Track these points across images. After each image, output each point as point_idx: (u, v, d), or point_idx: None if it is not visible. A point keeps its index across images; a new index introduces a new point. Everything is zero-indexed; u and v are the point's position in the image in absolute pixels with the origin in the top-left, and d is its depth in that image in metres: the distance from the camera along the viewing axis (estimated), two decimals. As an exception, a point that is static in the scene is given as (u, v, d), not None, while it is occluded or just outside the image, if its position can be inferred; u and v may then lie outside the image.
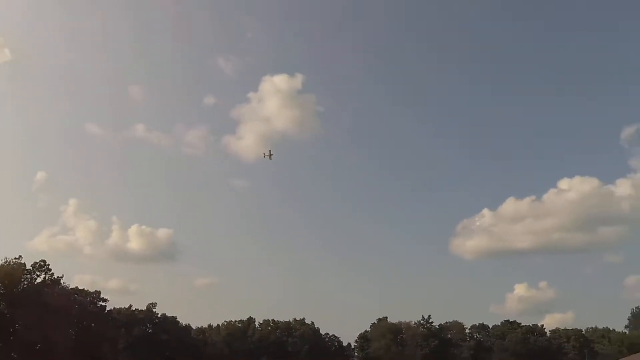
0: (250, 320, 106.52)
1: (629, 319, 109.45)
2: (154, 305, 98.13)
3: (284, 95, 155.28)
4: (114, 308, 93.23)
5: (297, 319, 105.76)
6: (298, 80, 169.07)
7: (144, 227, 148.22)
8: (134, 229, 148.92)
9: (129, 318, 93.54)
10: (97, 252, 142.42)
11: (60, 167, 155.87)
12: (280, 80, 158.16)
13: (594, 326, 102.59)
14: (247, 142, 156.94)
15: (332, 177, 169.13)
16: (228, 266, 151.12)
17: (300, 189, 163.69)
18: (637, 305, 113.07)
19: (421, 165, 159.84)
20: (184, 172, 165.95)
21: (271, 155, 77.36)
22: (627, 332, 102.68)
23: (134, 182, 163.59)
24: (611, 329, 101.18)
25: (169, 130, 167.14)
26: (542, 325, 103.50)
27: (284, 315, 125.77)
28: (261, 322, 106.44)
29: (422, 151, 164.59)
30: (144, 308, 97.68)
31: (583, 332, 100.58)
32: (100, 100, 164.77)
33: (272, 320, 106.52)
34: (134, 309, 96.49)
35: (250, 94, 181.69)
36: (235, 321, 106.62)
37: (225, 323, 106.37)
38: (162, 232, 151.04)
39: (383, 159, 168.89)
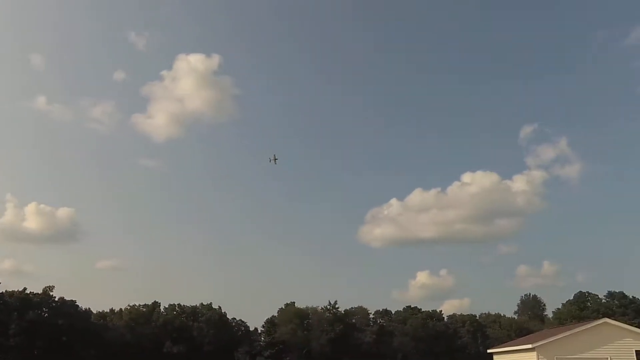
0: (155, 304, 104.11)
1: (518, 306, 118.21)
2: (51, 288, 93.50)
3: (199, 75, 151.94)
4: (6, 291, 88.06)
5: (204, 303, 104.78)
6: (215, 61, 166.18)
7: (42, 205, 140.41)
8: (31, 207, 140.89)
9: (22, 302, 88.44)
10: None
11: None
12: (196, 60, 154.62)
13: (487, 312, 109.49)
14: (158, 121, 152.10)
15: (245, 162, 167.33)
16: (133, 249, 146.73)
17: (213, 171, 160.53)
18: (526, 293, 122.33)
19: (336, 153, 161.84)
20: (88, 149, 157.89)
21: (276, 160, 78.37)
22: (516, 317, 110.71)
23: (32, 157, 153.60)
24: (502, 314, 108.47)
25: (74, 104, 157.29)
26: (441, 311, 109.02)
27: (190, 300, 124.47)
28: (166, 306, 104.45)
29: (339, 138, 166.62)
30: (40, 291, 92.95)
31: (477, 318, 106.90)
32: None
33: (178, 304, 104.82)
34: (28, 292, 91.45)
35: (164, 72, 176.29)
36: (139, 305, 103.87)
37: (129, 307, 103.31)
38: (63, 212, 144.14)
39: (300, 145, 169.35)
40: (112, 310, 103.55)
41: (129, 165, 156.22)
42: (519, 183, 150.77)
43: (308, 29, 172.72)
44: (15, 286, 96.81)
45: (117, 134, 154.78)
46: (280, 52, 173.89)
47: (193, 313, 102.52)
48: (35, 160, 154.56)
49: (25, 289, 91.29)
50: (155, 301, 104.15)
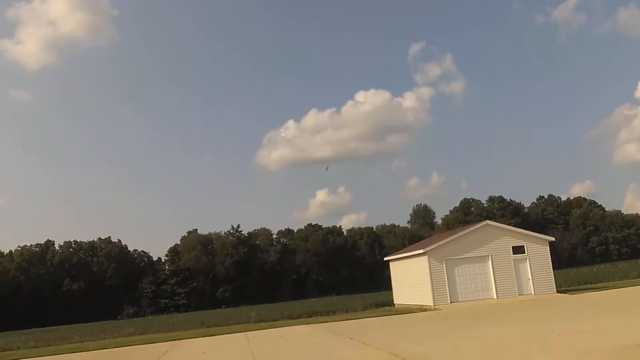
0: (49, 242, 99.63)
1: (410, 215, 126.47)
2: None
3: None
4: None
5: (102, 237, 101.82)
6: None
7: None
8: None
9: None
10: None
11: None
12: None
13: (383, 223, 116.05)
14: (28, 48, 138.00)
15: (128, 89, 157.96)
16: (17, 186, 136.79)
17: (91, 99, 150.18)
18: (417, 203, 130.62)
19: (219, 76, 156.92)
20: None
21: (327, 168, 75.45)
22: (409, 226, 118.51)
23: None
24: (397, 224, 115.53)
25: None
26: (340, 226, 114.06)
27: (86, 235, 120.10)
28: (62, 244, 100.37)
29: (222, 63, 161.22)
30: None
31: (374, 229, 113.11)
32: None
33: (74, 241, 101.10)
34: None
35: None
36: (32, 245, 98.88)
37: (20, 248, 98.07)
38: None
39: (184, 68, 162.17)
40: (0, 253, 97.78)
41: (1, 97, 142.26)
42: (408, 100, 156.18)
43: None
44: None
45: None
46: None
47: (91, 248, 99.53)
48: None
49: None
50: (49, 239, 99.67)
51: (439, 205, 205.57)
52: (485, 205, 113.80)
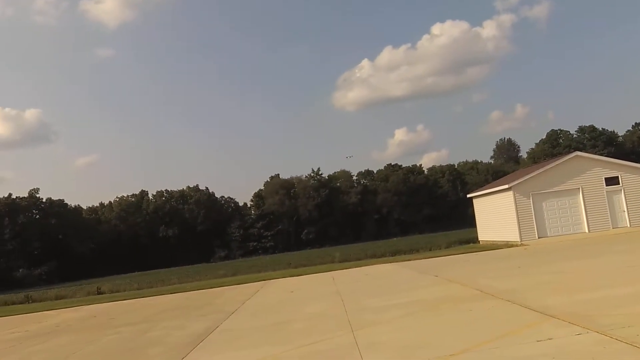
0: (144, 193, 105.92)
1: (493, 151, 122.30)
2: (36, 190, 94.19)
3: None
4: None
5: (191, 186, 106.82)
6: None
7: (7, 109, 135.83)
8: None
9: (10, 207, 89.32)
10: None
11: None
12: None
13: (465, 160, 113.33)
14: (108, 5, 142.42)
15: (201, 41, 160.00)
16: (107, 141, 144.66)
17: (171, 53, 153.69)
18: (501, 137, 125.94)
19: (291, 19, 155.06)
20: (39, 44, 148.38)
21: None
22: (492, 162, 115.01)
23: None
24: (479, 160, 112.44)
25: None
26: (421, 165, 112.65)
27: (177, 184, 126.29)
28: (154, 193, 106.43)
29: (301, 7, 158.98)
30: (26, 195, 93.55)
31: (455, 167, 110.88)
32: None
33: (166, 190, 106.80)
34: (14, 197, 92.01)
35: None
36: (128, 196, 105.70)
37: (118, 199, 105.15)
38: (30, 114, 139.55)
39: (254, 13, 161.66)
40: (101, 204, 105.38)
41: (86, 57, 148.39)
42: (488, 29, 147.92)
43: None
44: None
45: (66, 24, 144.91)
46: None
47: (182, 196, 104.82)
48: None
49: (10, 194, 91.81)
50: (142, 190, 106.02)
51: (523, 138, 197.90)
52: (574, 135, 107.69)
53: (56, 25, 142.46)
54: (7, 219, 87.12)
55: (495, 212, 34.56)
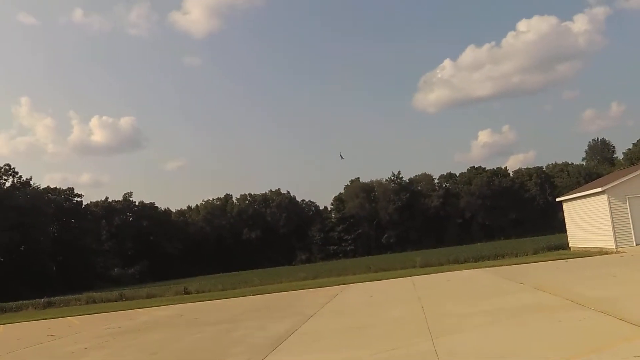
0: (228, 196, 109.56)
1: (586, 152, 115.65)
2: (130, 194, 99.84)
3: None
4: (91, 202, 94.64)
5: (273, 190, 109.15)
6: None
7: (105, 117, 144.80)
8: (94, 121, 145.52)
9: (107, 209, 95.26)
10: (61, 149, 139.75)
11: (1, 66, 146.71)
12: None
13: (554, 162, 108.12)
14: (194, 16, 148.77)
15: (284, 45, 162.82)
16: (194, 147, 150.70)
17: (255, 61, 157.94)
18: (594, 138, 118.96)
19: (379, 19, 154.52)
20: (132, 55, 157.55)
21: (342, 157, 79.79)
22: (585, 163, 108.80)
23: (83, 72, 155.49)
24: (570, 162, 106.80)
25: (109, 12, 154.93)
26: (506, 167, 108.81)
27: (259, 188, 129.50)
28: (238, 197, 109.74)
29: (380, 6, 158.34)
30: (121, 198, 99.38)
31: (544, 169, 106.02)
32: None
33: (249, 194, 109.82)
34: (110, 200, 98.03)
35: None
36: (214, 199, 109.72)
37: (204, 202, 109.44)
38: (125, 121, 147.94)
39: (338, 22, 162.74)
40: (189, 207, 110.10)
41: (175, 66, 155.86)
42: (579, 23, 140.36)
43: None
44: (97, 197, 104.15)
45: (157, 35, 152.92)
46: None
47: (264, 200, 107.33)
48: (87, 74, 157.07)
49: (107, 198, 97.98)
50: (227, 194, 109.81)
51: (619, 138, 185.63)
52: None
53: (147, 36, 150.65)
54: (104, 221, 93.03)
55: (588, 217, 32.62)
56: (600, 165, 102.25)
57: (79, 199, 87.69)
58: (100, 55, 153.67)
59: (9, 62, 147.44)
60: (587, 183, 48.41)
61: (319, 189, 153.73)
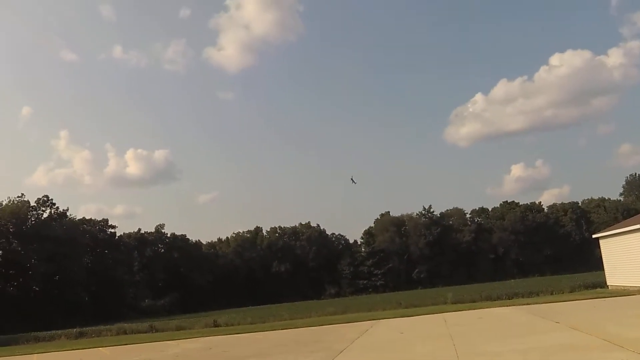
0: (258, 229, 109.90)
1: (623, 187, 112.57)
2: (162, 226, 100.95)
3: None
4: (124, 233, 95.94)
5: (303, 223, 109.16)
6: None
7: (139, 150, 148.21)
8: (130, 153, 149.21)
9: (139, 241, 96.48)
10: (97, 181, 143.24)
11: (43, 100, 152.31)
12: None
13: (589, 197, 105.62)
14: (228, 52, 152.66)
15: (317, 79, 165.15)
16: (226, 179, 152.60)
17: (287, 94, 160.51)
18: (631, 173, 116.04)
19: (411, 53, 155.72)
20: (169, 90, 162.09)
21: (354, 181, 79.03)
22: (622, 199, 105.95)
23: (120, 106, 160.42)
24: (607, 198, 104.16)
25: (147, 48, 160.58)
26: (540, 202, 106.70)
27: (289, 221, 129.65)
28: (268, 230, 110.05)
29: (411, 40, 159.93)
30: (153, 230, 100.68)
31: (579, 204, 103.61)
32: (70, 24, 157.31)
33: (279, 227, 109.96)
34: (143, 231, 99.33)
35: (227, 1, 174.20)
36: (244, 232, 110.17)
37: (234, 235, 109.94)
38: (159, 154, 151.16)
39: (370, 55, 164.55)
40: (219, 239, 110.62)
41: (209, 100, 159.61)
42: (614, 57, 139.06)
43: None
44: (130, 228, 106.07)
45: (192, 71, 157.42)
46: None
47: (294, 233, 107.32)
48: (124, 108, 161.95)
49: (139, 229, 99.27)
50: (257, 226, 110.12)
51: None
52: None
53: (183, 71, 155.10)
54: (136, 252, 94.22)
55: (627, 254, 31.64)
56: (639, 201, 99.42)
57: (112, 230, 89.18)
58: (136, 90, 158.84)
59: (50, 97, 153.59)
60: (626, 219, 47.07)
61: (349, 223, 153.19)
